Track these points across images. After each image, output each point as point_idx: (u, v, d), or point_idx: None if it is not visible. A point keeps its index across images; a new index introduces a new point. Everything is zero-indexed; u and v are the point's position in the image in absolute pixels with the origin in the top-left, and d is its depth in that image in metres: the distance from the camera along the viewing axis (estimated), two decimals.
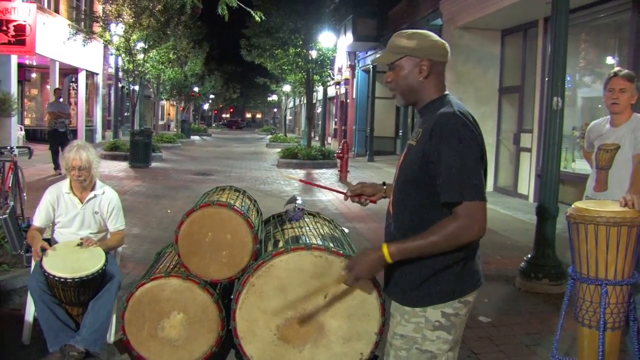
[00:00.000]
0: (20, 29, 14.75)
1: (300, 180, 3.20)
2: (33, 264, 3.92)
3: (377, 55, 2.30)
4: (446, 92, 2.19)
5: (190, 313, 2.70)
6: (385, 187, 2.57)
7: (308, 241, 2.57)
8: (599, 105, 3.94)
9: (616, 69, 3.94)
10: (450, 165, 1.96)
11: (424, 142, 2.04)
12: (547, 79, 5.84)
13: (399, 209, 2.17)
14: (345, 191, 2.63)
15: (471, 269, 2.13)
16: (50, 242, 4.05)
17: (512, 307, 5.15)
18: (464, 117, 2.03)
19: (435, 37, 2.19)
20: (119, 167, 15.64)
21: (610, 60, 9.58)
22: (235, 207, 2.70)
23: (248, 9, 7.10)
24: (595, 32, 9.97)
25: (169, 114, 50.11)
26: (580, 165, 9.31)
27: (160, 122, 38.55)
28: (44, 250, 3.72)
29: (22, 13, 14.81)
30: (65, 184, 4.08)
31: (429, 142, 2.02)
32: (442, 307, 2.08)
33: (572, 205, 3.24)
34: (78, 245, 3.84)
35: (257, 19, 7.17)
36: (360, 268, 2.09)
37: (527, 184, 11.29)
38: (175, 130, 37.02)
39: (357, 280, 2.14)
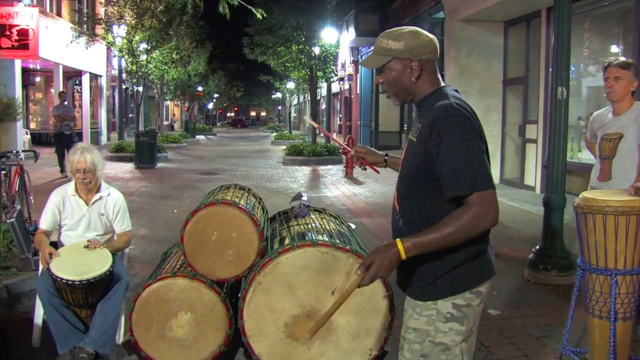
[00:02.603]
0: (23, 34, 14.84)
1: (319, 128, 3.25)
2: (41, 267, 3.93)
3: (365, 59, 2.25)
4: (442, 85, 2.15)
5: (197, 312, 2.69)
6: (387, 158, 2.63)
7: (314, 237, 2.56)
8: (604, 95, 3.93)
9: (611, 58, 3.91)
10: (455, 159, 1.92)
11: (424, 137, 2.00)
12: (551, 69, 5.81)
13: (407, 205, 2.13)
14: (350, 149, 2.69)
15: (484, 259, 2.10)
16: (57, 245, 4.05)
17: (521, 299, 5.12)
18: (462, 108, 1.99)
19: (424, 33, 2.12)
20: (125, 169, 15.67)
21: (614, 48, 9.51)
22: (240, 205, 2.69)
23: (249, 7, 7.11)
24: (599, 21, 9.89)
25: (173, 114, 50.20)
26: (587, 155, 9.22)
27: (165, 123, 38.60)
28: (51, 256, 3.72)
29: (24, 17, 14.89)
30: (70, 187, 4.08)
31: (430, 138, 1.98)
32: (452, 298, 2.06)
33: (580, 196, 3.21)
34: (85, 247, 3.84)
35: (259, 16, 7.18)
36: (378, 267, 1.95)
37: (533, 175, 11.23)
38: (179, 130, 37.06)
39: (374, 280, 2.01)
